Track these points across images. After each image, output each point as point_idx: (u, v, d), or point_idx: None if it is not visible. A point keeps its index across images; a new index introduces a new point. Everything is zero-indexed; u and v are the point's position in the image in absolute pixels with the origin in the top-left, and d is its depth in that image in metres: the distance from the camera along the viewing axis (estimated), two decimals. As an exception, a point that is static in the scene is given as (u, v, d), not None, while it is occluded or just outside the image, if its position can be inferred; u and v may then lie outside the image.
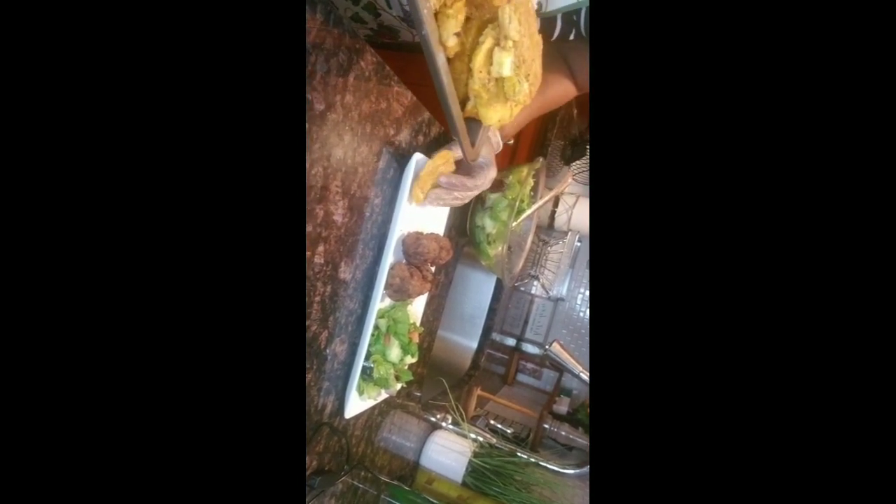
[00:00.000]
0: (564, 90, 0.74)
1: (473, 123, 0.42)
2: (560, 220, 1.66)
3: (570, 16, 0.62)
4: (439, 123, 0.64)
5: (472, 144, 0.44)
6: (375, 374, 0.57)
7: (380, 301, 0.56)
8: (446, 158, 0.53)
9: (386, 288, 0.56)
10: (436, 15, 0.32)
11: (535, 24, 0.38)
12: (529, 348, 1.94)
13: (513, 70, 0.37)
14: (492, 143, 0.61)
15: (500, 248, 0.79)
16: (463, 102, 0.39)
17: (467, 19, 0.34)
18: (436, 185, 0.54)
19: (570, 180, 1.79)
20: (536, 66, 0.40)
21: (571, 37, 0.64)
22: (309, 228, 0.44)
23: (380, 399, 0.61)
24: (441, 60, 0.34)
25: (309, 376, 0.50)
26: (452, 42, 0.34)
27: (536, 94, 0.68)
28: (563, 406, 1.71)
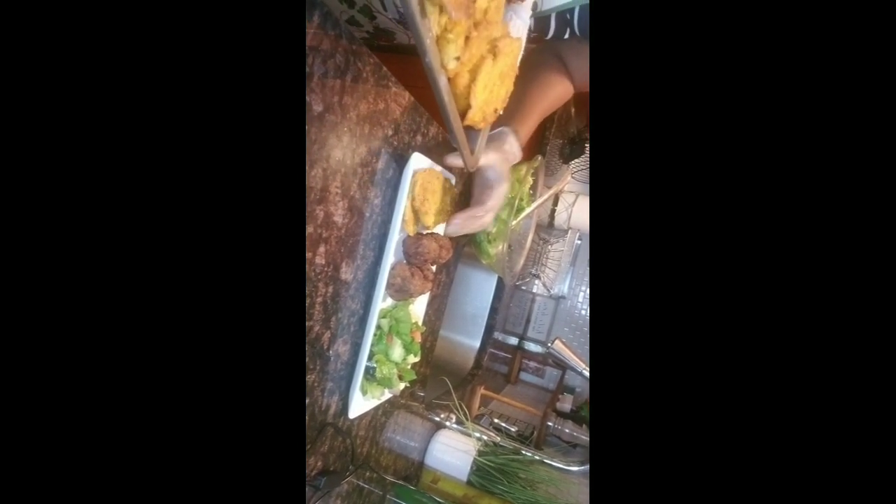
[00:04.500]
0: (564, 90, 0.74)
1: (472, 132, 0.45)
2: (560, 218, 1.66)
3: (563, 15, 0.62)
4: (437, 123, 0.65)
5: (472, 152, 0.47)
6: (378, 374, 0.57)
7: (381, 301, 0.56)
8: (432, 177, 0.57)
9: (387, 288, 0.56)
10: (437, 39, 0.34)
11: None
12: (532, 347, 1.94)
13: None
14: (507, 154, 0.62)
15: (500, 247, 0.79)
16: (463, 113, 0.41)
17: (466, 39, 0.36)
18: (449, 222, 0.60)
19: (569, 178, 1.80)
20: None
21: (566, 35, 0.65)
22: (309, 230, 0.44)
23: (383, 399, 0.62)
24: (443, 82, 0.36)
25: (312, 377, 0.50)
26: (453, 65, 0.36)
27: (542, 96, 0.69)
28: (566, 404, 1.71)
